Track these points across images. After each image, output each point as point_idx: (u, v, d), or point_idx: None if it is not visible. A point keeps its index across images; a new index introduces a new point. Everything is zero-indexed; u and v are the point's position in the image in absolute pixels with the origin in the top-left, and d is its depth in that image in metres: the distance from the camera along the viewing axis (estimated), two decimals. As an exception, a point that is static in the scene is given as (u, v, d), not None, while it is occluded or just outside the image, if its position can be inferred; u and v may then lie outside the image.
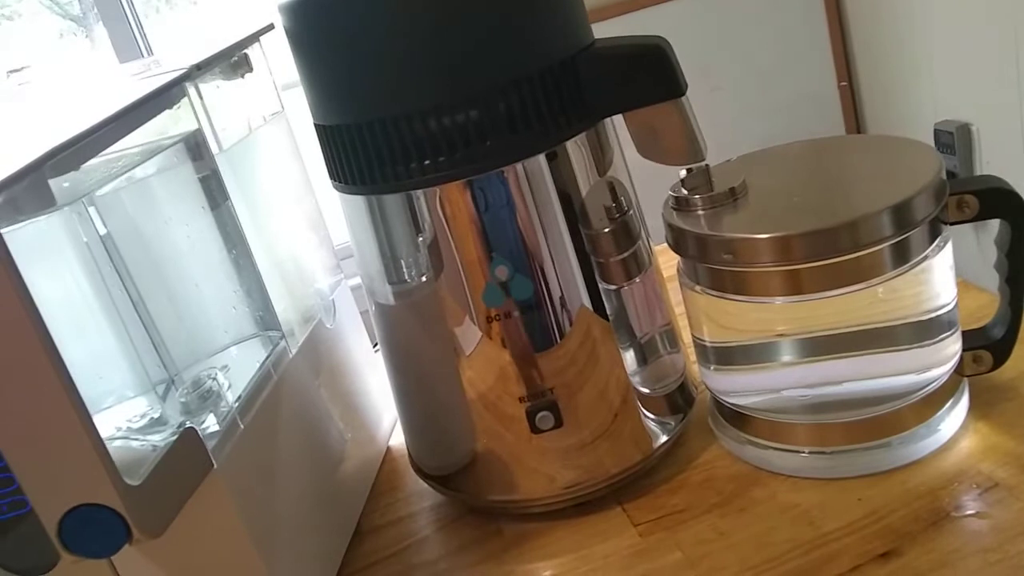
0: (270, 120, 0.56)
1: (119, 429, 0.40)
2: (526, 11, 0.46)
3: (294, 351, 0.53)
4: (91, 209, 0.40)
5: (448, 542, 0.56)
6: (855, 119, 1.84)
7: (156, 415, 0.42)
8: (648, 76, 0.48)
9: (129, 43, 1.66)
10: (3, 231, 0.31)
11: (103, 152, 0.39)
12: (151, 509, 0.37)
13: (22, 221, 0.34)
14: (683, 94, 0.48)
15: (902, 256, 0.48)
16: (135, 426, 0.42)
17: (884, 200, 0.46)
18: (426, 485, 0.60)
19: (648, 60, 0.48)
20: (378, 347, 0.58)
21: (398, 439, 0.67)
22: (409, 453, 0.60)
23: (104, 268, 0.40)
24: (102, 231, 0.41)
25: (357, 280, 0.62)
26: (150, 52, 1.70)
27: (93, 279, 0.40)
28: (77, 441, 0.35)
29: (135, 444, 0.40)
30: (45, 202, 0.36)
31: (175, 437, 0.40)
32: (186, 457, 0.41)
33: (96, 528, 0.36)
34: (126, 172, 0.41)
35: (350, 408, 0.60)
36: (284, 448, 0.50)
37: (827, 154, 0.56)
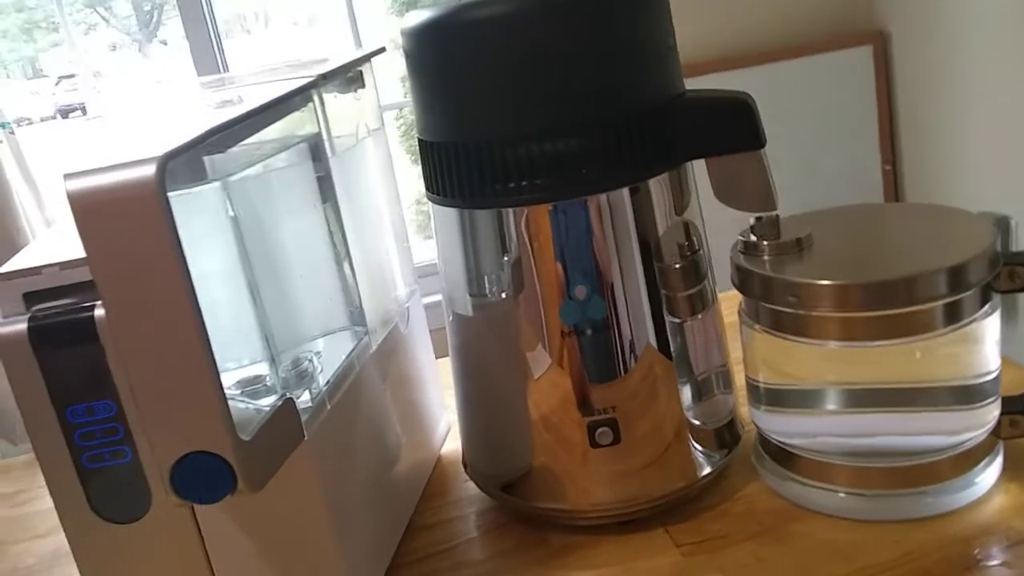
0: (373, 134, 0.61)
1: (232, 390, 0.44)
2: (631, 56, 0.51)
3: (374, 348, 0.56)
4: (226, 192, 0.44)
5: (495, 545, 0.59)
6: (895, 202, 1.88)
7: (267, 384, 0.46)
8: (734, 126, 0.52)
9: (209, 59, 1.74)
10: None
11: (245, 141, 0.44)
12: (256, 464, 0.41)
13: (177, 190, 0.38)
14: (764, 146, 0.52)
15: (954, 316, 0.51)
16: (246, 390, 0.46)
17: (941, 261, 0.50)
18: (474, 491, 0.63)
19: (736, 112, 0.52)
20: (442, 358, 0.61)
21: (448, 447, 0.70)
22: (464, 459, 0.63)
23: (233, 246, 0.44)
24: (231, 213, 0.45)
25: (428, 299, 0.67)
26: (227, 68, 1.78)
27: (226, 253, 0.44)
28: (204, 391, 0.38)
29: (241, 405, 0.44)
30: (198, 175, 0.41)
31: (280, 404, 0.43)
32: (285, 424, 0.44)
33: (207, 475, 0.40)
34: (261, 162, 0.46)
35: (411, 410, 0.64)
36: (359, 434, 0.54)
37: (889, 217, 0.60)
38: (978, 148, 1.71)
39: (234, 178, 0.45)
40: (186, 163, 0.39)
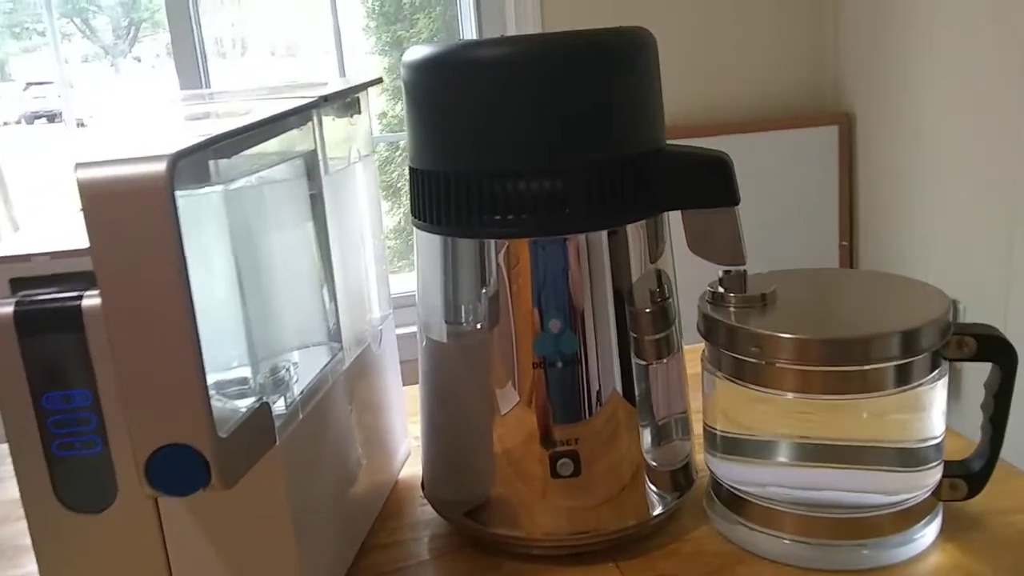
0: (363, 160, 0.63)
1: (212, 389, 0.45)
2: (622, 106, 0.53)
3: (347, 364, 0.58)
4: (226, 198, 0.46)
5: (448, 568, 0.59)
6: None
7: (245, 387, 0.47)
8: (712, 182, 0.55)
9: (194, 77, 1.75)
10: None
11: (247, 151, 0.46)
12: (230, 461, 0.41)
13: (181, 191, 0.40)
14: (738, 203, 0.55)
15: (904, 378, 0.54)
16: (223, 391, 0.46)
17: (896, 325, 0.53)
18: (429, 516, 0.64)
19: (715, 169, 0.55)
20: (408, 386, 0.62)
21: (406, 472, 0.71)
22: (423, 482, 0.64)
23: (228, 251, 0.46)
24: (228, 219, 0.47)
25: (401, 330, 0.68)
26: (208, 85, 1.79)
27: (220, 257, 0.45)
28: (188, 385, 0.39)
29: (219, 404, 0.45)
30: (201, 179, 0.42)
31: (256, 406, 0.44)
32: (259, 427, 0.45)
33: (182, 468, 0.41)
34: (260, 171, 0.47)
35: (375, 431, 0.65)
36: (326, 446, 0.55)
37: (850, 281, 0.63)
38: (932, 233, 1.77)
39: (234, 186, 0.46)
40: (193, 165, 0.41)
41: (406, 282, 0.61)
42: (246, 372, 0.47)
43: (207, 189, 0.43)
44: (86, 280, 0.47)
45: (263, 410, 0.46)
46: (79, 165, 0.38)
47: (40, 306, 0.46)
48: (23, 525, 0.59)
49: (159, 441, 0.40)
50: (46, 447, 0.47)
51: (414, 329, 0.61)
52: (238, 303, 0.47)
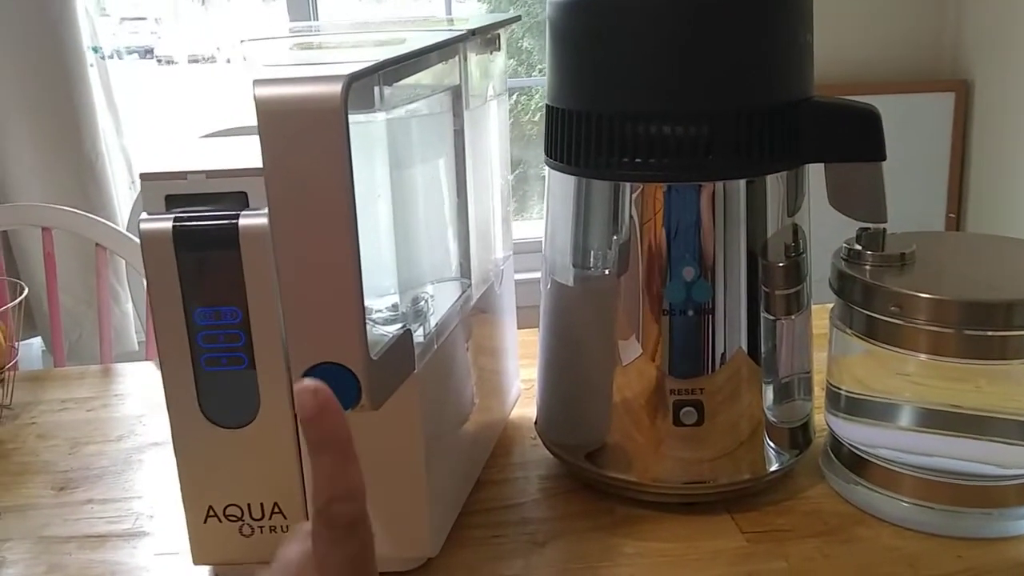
0: (499, 97, 0.63)
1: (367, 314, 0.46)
2: (768, 52, 0.52)
3: (474, 300, 0.58)
4: (387, 126, 0.46)
5: (560, 507, 0.60)
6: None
7: (394, 313, 0.48)
8: (859, 136, 0.54)
9: (303, 9, 1.77)
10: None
11: (405, 80, 0.46)
12: (379, 383, 0.42)
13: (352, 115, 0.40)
14: (884, 159, 0.54)
15: (1045, 347, 0.52)
16: (374, 316, 0.48)
17: (1044, 293, 0.51)
18: (540, 456, 0.65)
19: (863, 122, 0.53)
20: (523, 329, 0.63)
21: (516, 413, 0.72)
22: (536, 422, 0.65)
23: (387, 179, 0.46)
24: (388, 148, 0.47)
25: (517, 276, 0.69)
26: (317, 17, 1.81)
27: (379, 185, 0.46)
28: (348, 308, 0.40)
29: (370, 328, 0.46)
30: (367, 105, 0.43)
31: (401, 332, 0.45)
32: (402, 353, 0.46)
33: (336, 387, 0.41)
34: (417, 101, 0.48)
35: (491, 370, 0.65)
36: (453, 378, 0.56)
37: (991, 246, 0.61)
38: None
39: (393, 114, 0.47)
40: (362, 89, 0.41)
41: (521, 228, 0.61)
42: (394, 299, 0.48)
43: (372, 115, 0.43)
44: (240, 201, 0.48)
45: (406, 337, 0.47)
46: (257, 82, 0.38)
47: (199, 223, 0.47)
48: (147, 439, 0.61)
49: (316, 359, 0.41)
50: (195, 361, 0.49)
51: (529, 276, 0.61)
52: (391, 233, 0.48)
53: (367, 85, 0.42)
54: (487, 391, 0.66)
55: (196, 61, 2.19)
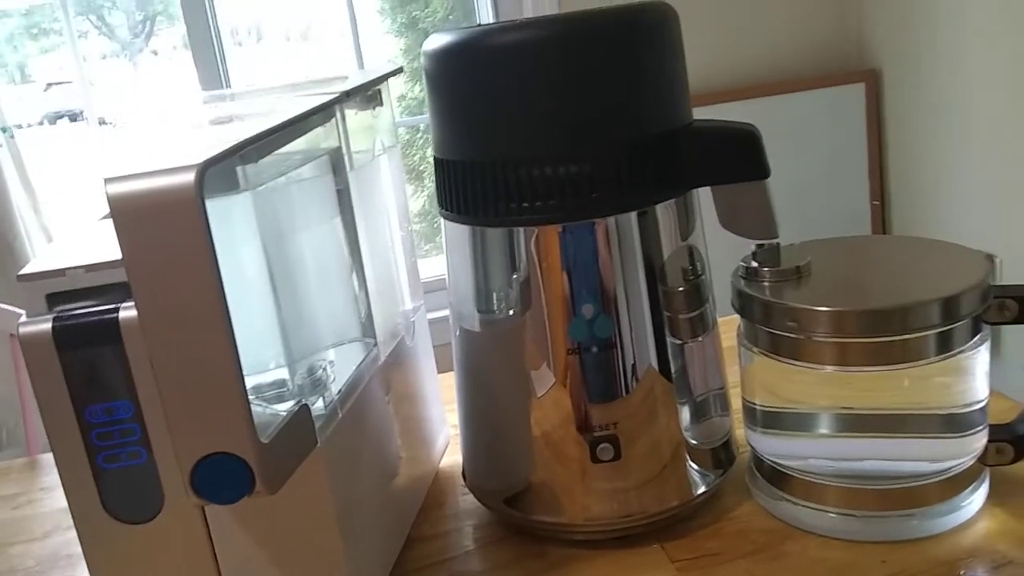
0: (388, 151, 0.62)
1: (250, 394, 0.45)
2: (644, 85, 0.53)
3: (382, 359, 0.58)
4: (254, 201, 0.46)
5: (493, 557, 0.60)
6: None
7: (284, 389, 0.47)
8: (741, 157, 0.54)
9: (212, 70, 1.76)
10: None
11: (273, 152, 0.45)
12: (274, 466, 0.42)
13: (211, 198, 0.40)
14: (768, 176, 0.54)
15: (945, 345, 0.53)
16: (262, 395, 0.47)
17: (935, 292, 0.52)
18: (472, 505, 0.64)
19: (743, 143, 0.54)
20: (443, 373, 0.62)
21: (446, 461, 0.71)
22: (464, 472, 0.65)
23: (259, 254, 0.46)
24: (257, 223, 0.47)
25: (432, 314, 0.68)
26: (228, 79, 1.80)
27: (252, 261, 0.46)
28: (229, 394, 0.39)
29: (259, 409, 0.45)
30: (230, 185, 0.42)
31: (296, 409, 0.45)
32: (300, 429, 0.46)
33: (226, 476, 0.41)
34: (287, 173, 0.47)
35: (414, 423, 0.65)
36: (366, 443, 0.55)
37: (885, 248, 0.62)
38: (964, 186, 1.74)
39: (262, 188, 0.46)
40: (221, 173, 0.41)
41: (434, 266, 0.60)
42: (283, 374, 0.47)
43: (235, 195, 0.43)
44: (122, 291, 0.47)
45: (303, 412, 0.46)
46: (108, 180, 0.38)
47: (78, 320, 0.46)
48: (74, 534, 0.60)
49: (203, 451, 0.41)
50: (91, 460, 0.48)
51: (446, 313, 0.61)
52: (272, 305, 0.48)
53: (228, 167, 0.41)
54: (414, 442, 0.65)
55: (104, 124, 2.17)
